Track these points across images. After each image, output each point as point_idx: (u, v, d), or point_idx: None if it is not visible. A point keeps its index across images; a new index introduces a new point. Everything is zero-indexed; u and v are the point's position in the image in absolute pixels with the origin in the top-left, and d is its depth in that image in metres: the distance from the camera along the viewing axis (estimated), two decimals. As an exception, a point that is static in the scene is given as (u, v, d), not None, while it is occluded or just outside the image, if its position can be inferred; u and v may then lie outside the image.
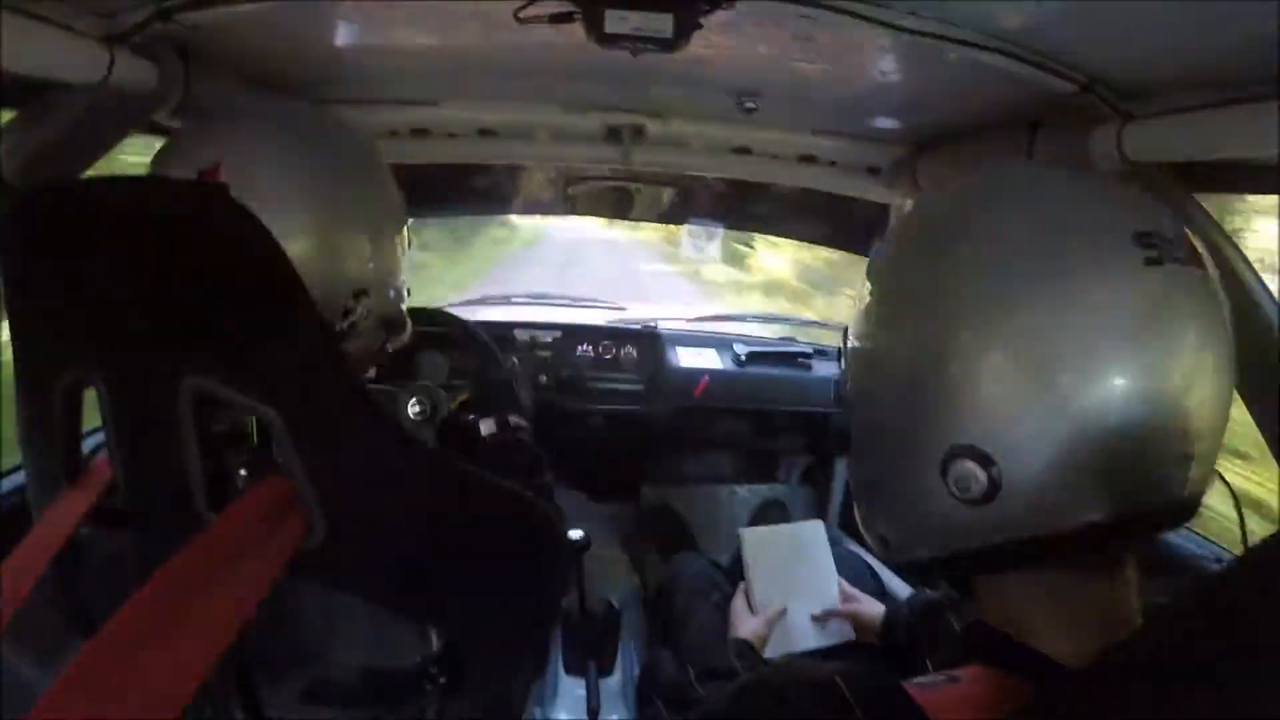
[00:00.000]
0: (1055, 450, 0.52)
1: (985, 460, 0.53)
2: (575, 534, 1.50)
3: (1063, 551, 0.54)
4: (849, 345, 0.67)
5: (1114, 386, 0.52)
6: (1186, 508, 0.55)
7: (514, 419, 1.19)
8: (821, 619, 1.41)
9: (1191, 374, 0.53)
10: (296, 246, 0.77)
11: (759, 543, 1.52)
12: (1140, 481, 0.53)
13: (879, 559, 1.85)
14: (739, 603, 1.42)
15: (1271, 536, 0.40)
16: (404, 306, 0.98)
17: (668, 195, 1.89)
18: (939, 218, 0.63)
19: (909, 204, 1.92)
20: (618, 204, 1.91)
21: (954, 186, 0.67)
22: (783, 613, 1.38)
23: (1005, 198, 0.60)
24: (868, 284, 0.65)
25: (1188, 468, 0.54)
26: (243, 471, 0.70)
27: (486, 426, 1.14)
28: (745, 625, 1.34)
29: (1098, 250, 0.53)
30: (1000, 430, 0.53)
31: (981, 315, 0.54)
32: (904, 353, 0.59)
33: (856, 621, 1.39)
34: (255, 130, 0.84)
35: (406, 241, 0.98)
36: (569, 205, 1.92)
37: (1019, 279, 0.54)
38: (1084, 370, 0.52)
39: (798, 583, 1.47)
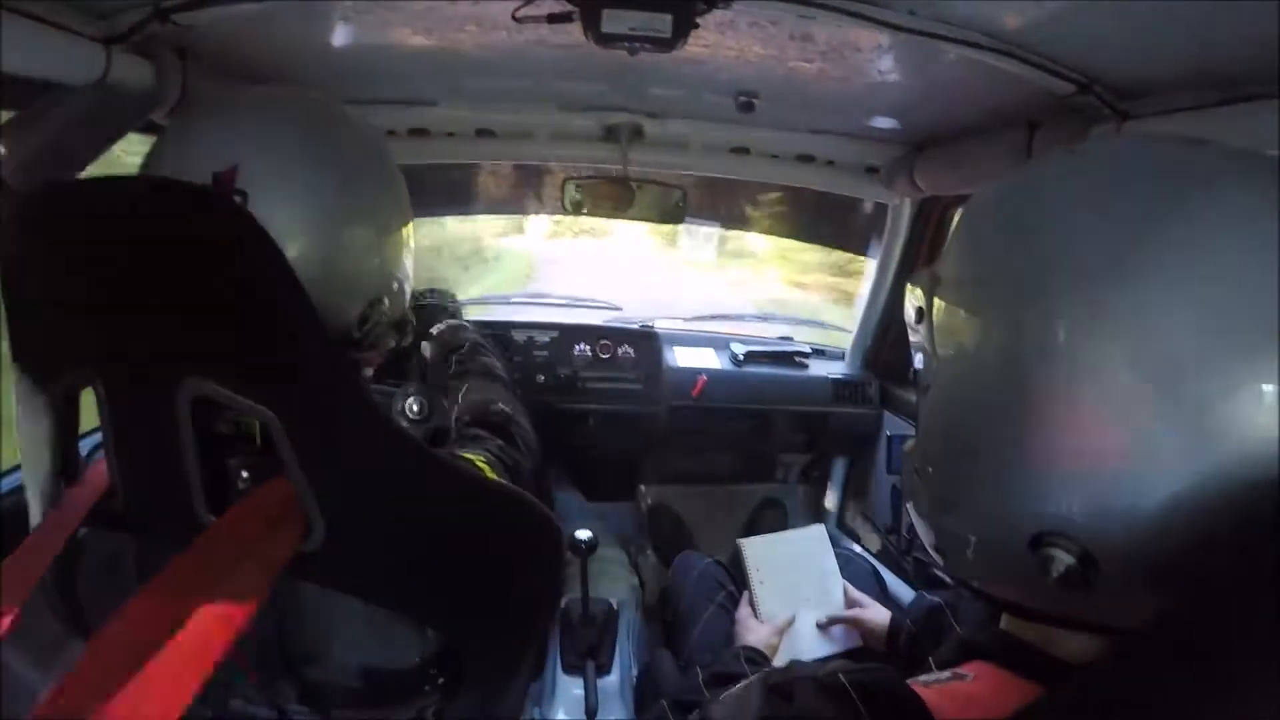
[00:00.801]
0: (1162, 548, 0.42)
1: (1083, 554, 0.45)
2: (583, 534, 1.49)
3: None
4: (927, 341, 0.58)
5: (1249, 479, 0.40)
6: None
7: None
8: (826, 626, 1.42)
9: None
10: (315, 254, 0.76)
11: (760, 553, 1.52)
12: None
13: (892, 564, 1.87)
14: (745, 611, 1.42)
15: (1274, 533, 0.40)
16: (408, 307, 0.97)
17: (669, 195, 1.88)
18: (1055, 214, 0.50)
19: (906, 203, 1.92)
20: (617, 203, 1.90)
21: (1066, 156, 0.55)
22: (791, 621, 1.38)
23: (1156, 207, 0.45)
24: (942, 277, 0.57)
25: None
26: (244, 474, 0.70)
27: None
28: (754, 633, 1.34)
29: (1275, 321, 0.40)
30: (1099, 516, 0.44)
31: (1100, 353, 0.43)
32: (983, 377, 0.50)
33: (862, 628, 1.39)
34: (272, 133, 0.79)
35: (412, 239, 0.96)
36: (570, 206, 1.91)
37: (1163, 319, 0.42)
38: (1208, 448, 0.41)
39: (803, 590, 1.47)
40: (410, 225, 0.94)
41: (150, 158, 0.80)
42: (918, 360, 0.61)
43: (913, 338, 0.61)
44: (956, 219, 0.58)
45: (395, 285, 0.89)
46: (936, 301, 0.56)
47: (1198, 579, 0.42)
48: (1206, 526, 0.41)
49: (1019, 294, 0.48)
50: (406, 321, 0.96)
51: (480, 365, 1.12)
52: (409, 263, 0.94)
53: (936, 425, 0.57)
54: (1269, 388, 0.40)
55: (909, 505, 0.61)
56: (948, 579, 0.59)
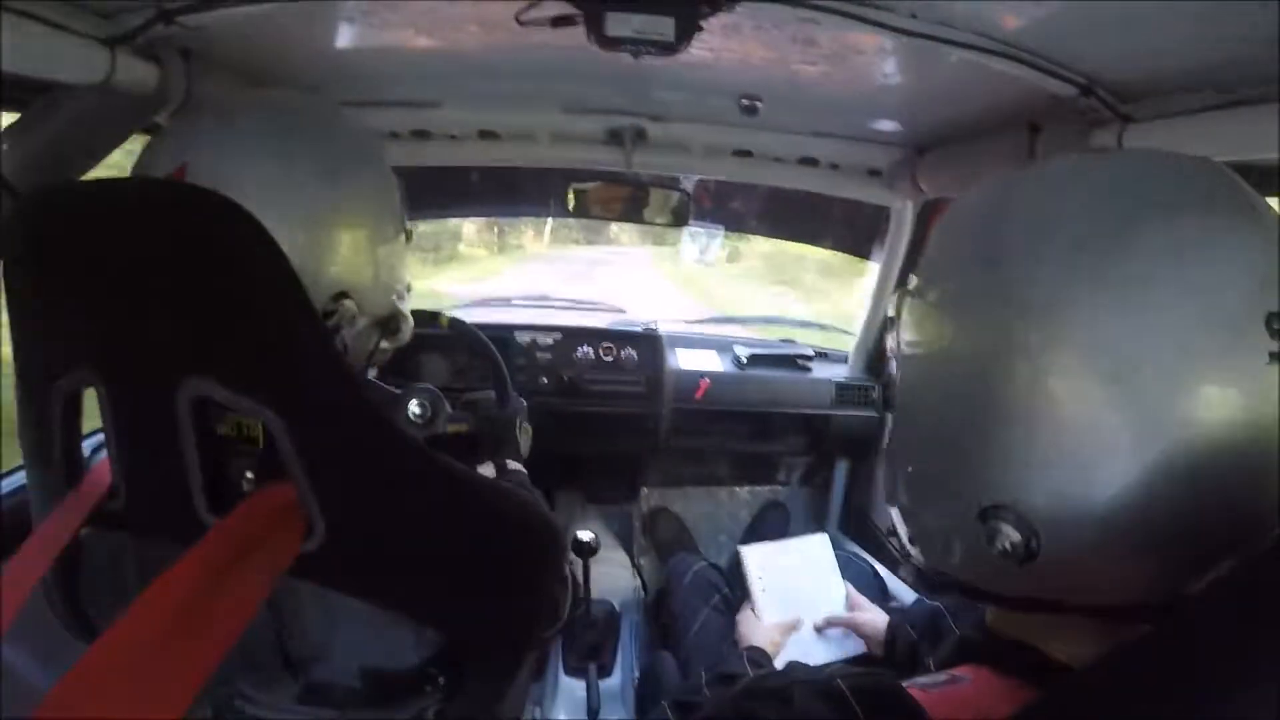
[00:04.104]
0: (1106, 524, 0.46)
1: (1024, 526, 0.49)
2: (585, 535, 1.49)
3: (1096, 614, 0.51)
4: (896, 344, 0.62)
5: (1193, 466, 0.44)
6: None
7: (511, 464, 1.17)
8: (822, 627, 1.41)
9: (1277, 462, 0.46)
10: None
11: (761, 560, 1.51)
12: (1193, 568, 0.47)
13: (889, 563, 1.87)
14: (746, 613, 1.42)
15: (1273, 540, 0.41)
16: (403, 306, 0.95)
17: (672, 198, 1.88)
18: (1011, 212, 0.54)
19: (908, 206, 1.92)
20: (630, 206, 1.89)
21: (1030, 171, 0.57)
22: (796, 623, 1.38)
23: (1101, 199, 0.50)
24: (916, 280, 0.60)
25: (1247, 552, 0.48)
26: (249, 474, 0.70)
27: (485, 470, 1.12)
28: (758, 632, 1.34)
29: (1219, 325, 0.45)
30: (1046, 491, 0.48)
31: (1051, 346, 0.47)
32: (952, 371, 0.54)
33: (859, 630, 1.39)
34: (222, 128, 0.79)
35: (404, 239, 0.94)
36: (577, 208, 1.90)
37: (1111, 321, 0.46)
38: (1162, 437, 0.45)
39: (804, 599, 1.46)
40: (401, 222, 0.92)
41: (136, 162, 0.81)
42: (893, 366, 0.64)
43: (890, 343, 0.65)
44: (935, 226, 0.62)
45: (372, 283, 0.87)
46: (909, 304, 0.60)
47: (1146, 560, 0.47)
48: (1154, 513, 0.45)
49: (987, 297, 0.51)
50: (393, 320, 0.93)
51: None
52: (399, 261, 0.92)
53: (908, 421, 0.61)
54: (1212, 391, 0.44)
55: (889, 503, 0.64)
56: (923, 573, 0.63)
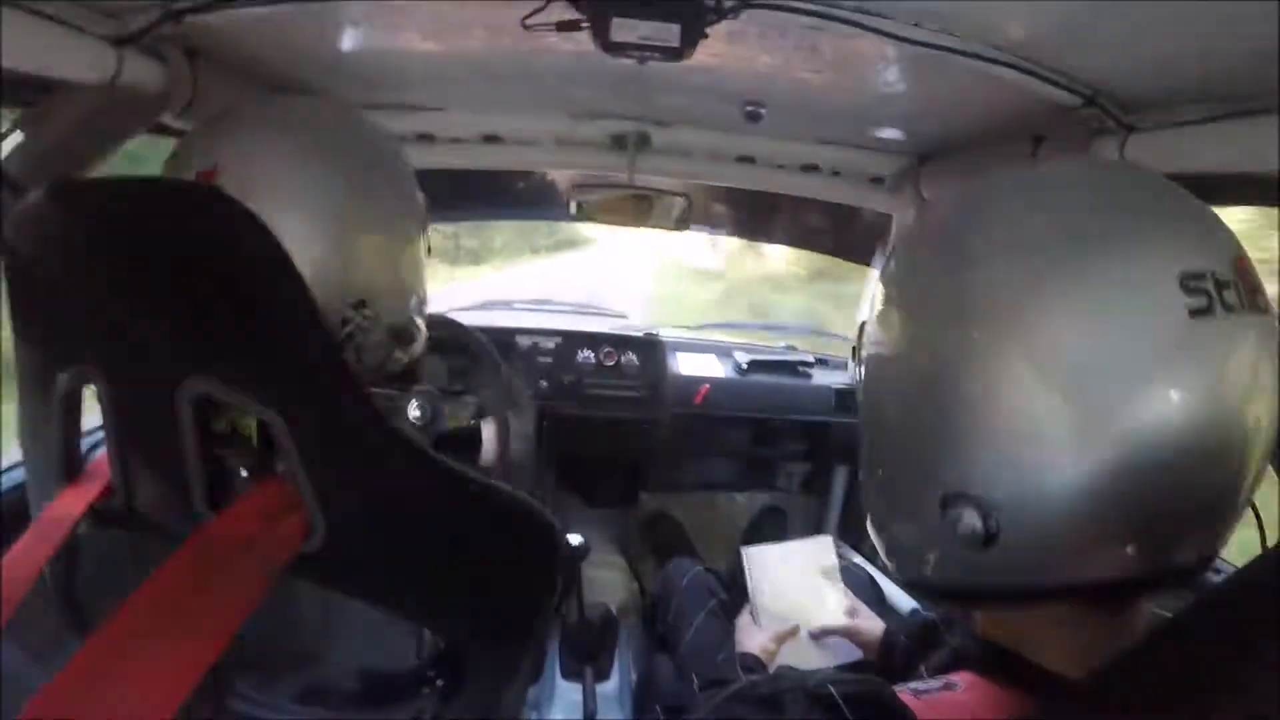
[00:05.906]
0: (1064, 502, 0.48)
1: (983, 508, 0.50)
2: (574, 539, 1.49)
3: (1068, 598, 0.52)
4: (861, 350, 0.63)
5: (1141, 435, 0.46)
6: (1207, 562, 0.52)
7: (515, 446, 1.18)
8: (819, 635, 1.40)
9: (1233, 430, 0.48)
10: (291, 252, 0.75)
11: (762, 562, 1.51)
12: (1162, 541, 0.49)
13: (885, 570, 1.86)
14: (745, 619, 1.41)
15: (1270, 550, 0.41)
16: (417, 318, 0.94)
17: (675, 203, 1.88)
18: (958, 218, 0.58)
19: (911, 213, 1.93)
20: (635, 211, 1.88)
21: (978, 182, 0.60)
22: (794, 630, 1.37)
23: (1032, 203, 0.54)
24: (880, 287, 0.62)
25: (1217, 528, 0.51)
26: (243, 472, 0.70)
27: (488, 430, 1.12)
28: (753, 639, 1.33)
29: (1135, 292, 0.47)
30: (1001, 475, 0.50)
31: (993, 338, 0.50)
32: (909, 370, 0.56)
33: (856, 638, 1.38)
34: (253, 133, 0.81)
35: (425, 248, 0.94)
36: (582, 212, 1.90)
37: (1041, 308, 0.48)
38: (1105, 412, 0.47)
39: (804, 601, 1.45)
40: (422, 231, 0.92)
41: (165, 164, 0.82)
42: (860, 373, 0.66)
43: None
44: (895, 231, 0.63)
45: (391, 291, 0.87)
46: (873, 306, 0.62)
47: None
48: (1110, 494, 0.47)
49: (947, 303, 0.53)
50: (408, 331, 0.92)
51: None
52: (416, 270, 0.92)
53: (873, 421, 0.62)
54: (1147, 364, 0.47)
55: (867, 521, 0.66)
56: (902, 586, 0.64)
